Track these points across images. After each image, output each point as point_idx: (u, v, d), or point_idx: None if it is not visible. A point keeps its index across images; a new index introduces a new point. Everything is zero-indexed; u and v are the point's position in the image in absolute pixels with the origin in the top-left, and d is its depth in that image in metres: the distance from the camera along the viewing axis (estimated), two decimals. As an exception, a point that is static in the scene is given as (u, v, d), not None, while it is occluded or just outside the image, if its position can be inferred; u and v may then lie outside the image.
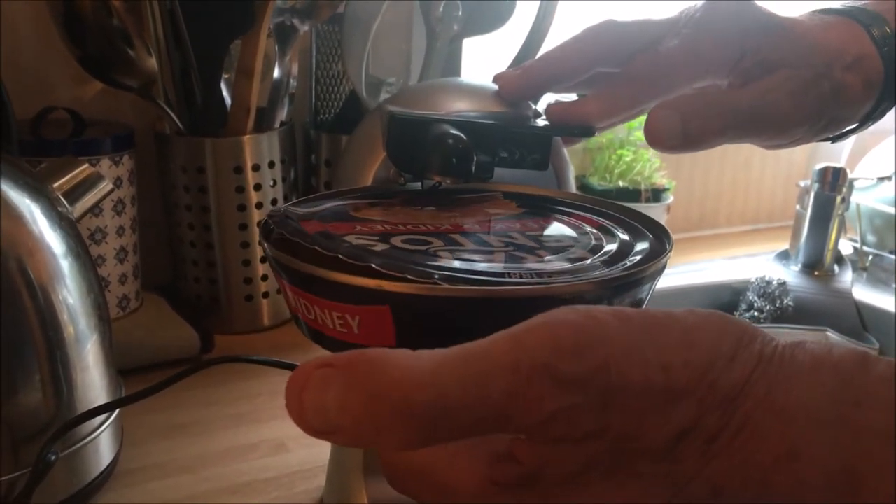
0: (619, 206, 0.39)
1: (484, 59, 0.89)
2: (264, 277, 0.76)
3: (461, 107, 0.43)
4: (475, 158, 0.38)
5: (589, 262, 0.31)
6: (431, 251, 0.31)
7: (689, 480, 0.22)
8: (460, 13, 0.76)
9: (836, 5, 0.45)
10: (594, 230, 0.36)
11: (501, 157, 0.41)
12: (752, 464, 0.22)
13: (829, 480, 0.21)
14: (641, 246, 0.34)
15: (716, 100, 0.40)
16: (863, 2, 0.45)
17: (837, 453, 0.21)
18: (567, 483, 0.22)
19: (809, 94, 0.41)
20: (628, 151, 1.00)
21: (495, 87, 0.44)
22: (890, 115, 0.47)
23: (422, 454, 0.23)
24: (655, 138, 0.39)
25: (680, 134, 0.39)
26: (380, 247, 0.31)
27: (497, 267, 0.30)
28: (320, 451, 0.56)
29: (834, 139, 0.46)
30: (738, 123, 0.40)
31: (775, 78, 0.40)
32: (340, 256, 0.29)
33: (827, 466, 0.21)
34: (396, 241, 0.32)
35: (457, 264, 0.30)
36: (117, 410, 0.53)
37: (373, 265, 0.28)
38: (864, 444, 0.21)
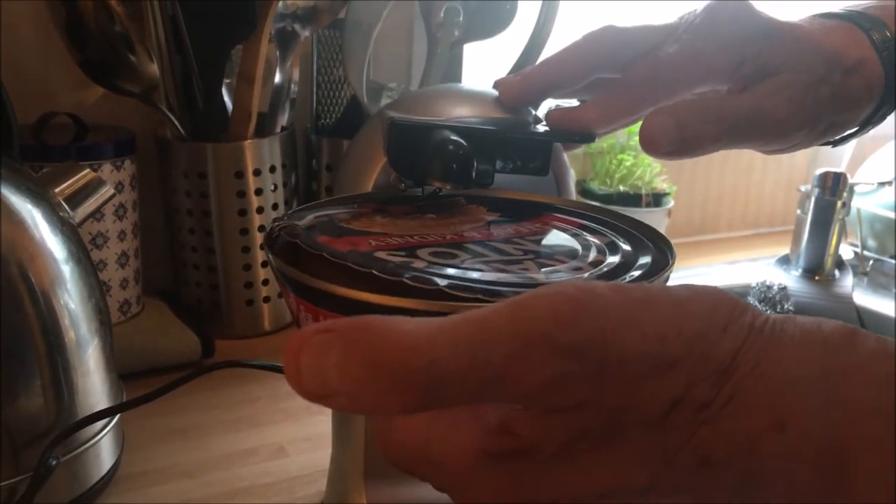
0: (621, 216, 0.39)
1: (485, 65, 0.89)
2: (265, 282, 0.76)
3: (461, 113, 0.43)
4: (475, 164, 0.38)
5: (587, 275, 0.32)
6: (461, 264, 0.32)
7: (678, 449, 0.22)
8: (461, 18, 0.76)
9: (837, 10, 0.45)
10: (597, 241, 0.36)
11: (502, 163, 0.41)
12: (740, 433, 0.22)
13: (817, 452, 0.21)
14: (643, 260, 0.34)
15: (712, 105, 0.40)
16: (863, 6, 0.45)
17: (825, 426, 0.21)
18: (560, 453, 0.23)
19: (808, 99, 0.41)
20: (629, 156, 1.01)
21: (495, 93, 0.44)
22: (890, 120, 0.47)
23: (417, 426, 0.24)
24: (650, 144, 0.39)
25: (675, 140, 0.39)
26: (417, 263, 0.31)
27: (540, 278, 0.30)
28: (320, 456, 0.56)
29: (834, 143, 0.46)
30: (735, 129, 0.40)
31: (774, 83, 0.40)
32: (380, 274, 0.29)
33: (815, 438, 0.21)
34: (423, 253, 0.32)
35: (497, 277, 0.30)
36: (118, 415, 0.53)
37: (440, 285, 0.28)
38: (852, 417, 0.21)
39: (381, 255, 0.32)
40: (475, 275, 0.30)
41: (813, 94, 0.41)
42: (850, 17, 0.44)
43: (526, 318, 0.21)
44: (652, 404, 0.22)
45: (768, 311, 0.24)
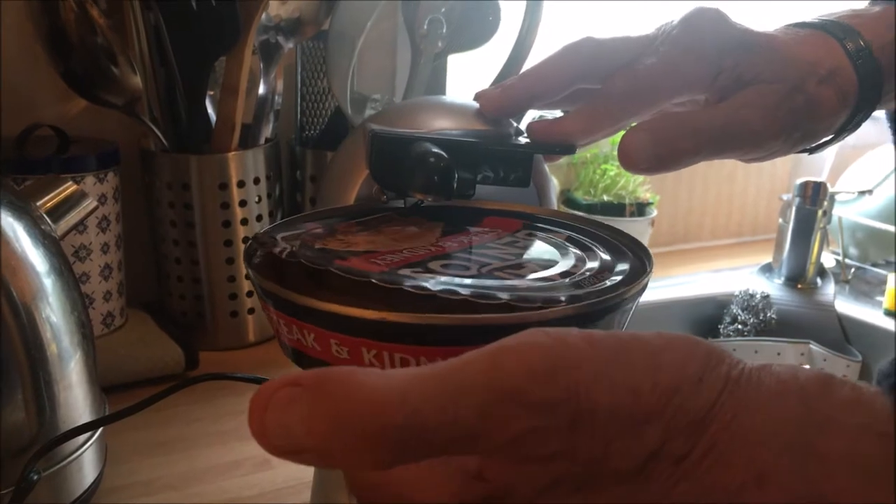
0: (598, 224, 0.39)
1: (469, 75, 0.89)
2: (249, 293, 0.76)
3: (443, 125, 0.43)
4: (456, 176, 0.38)
5: (569, 281, 0.32)
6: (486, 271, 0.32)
7: (657, 502, 0.22)
8: (445, 30, 0.77)
9: (810, 19, 0.46)
10: (576, 250, 0.36)
11: (483, 175, 0.41)
12: (720, 488, 0.22)
13: None
14: (622, 266, 0.34)
15: (688, 119, 0.40)
16: (836, 15, 0.45)
17: (805, 479, 0.21)
18: (537, 498, 0.22)
19: (783, 109, 0.41)
20: (612, 166, 1.01)
21: (477, 105, 0.44)
22: (871, 129, 0.47)
23: (390, 478, 0.23)
24: (628, 161, 0.39)
25: (652, 156, 0.39)
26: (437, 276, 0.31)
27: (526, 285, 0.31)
28: (305, 468, 0.56)
29: (810, 151, 0.47)
30: (712, 142, 0.40)
31: (748, 94, 0.41)
32: (410, 288, 0.29)
33: (795, 492, 0.21)
34: (435, 265, 0.32)
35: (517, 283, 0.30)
36: (101, 428, 0.52)
37: (464, 295, 0.28)
38: (828, 469, 0.21)
39: (408, 272, 0.31)
40: (490, 282, 0.30)
41: (788, 104, 0.41)
42: (823, 27, 0.44)
43: (499, 372, 0.21)
44: (626, 458, 0.22)
45: (743, 363, 0.23)
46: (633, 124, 0.46)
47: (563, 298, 0.29)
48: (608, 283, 0.32)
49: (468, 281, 0.30)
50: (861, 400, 0.22)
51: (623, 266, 0.34)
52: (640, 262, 0.35)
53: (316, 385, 0.20)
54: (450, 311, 0.27)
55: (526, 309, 0.28)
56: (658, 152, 0.39)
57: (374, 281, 0.29)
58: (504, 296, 0.28)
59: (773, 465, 0.21)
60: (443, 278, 0.30)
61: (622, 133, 0.41)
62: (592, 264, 0.34)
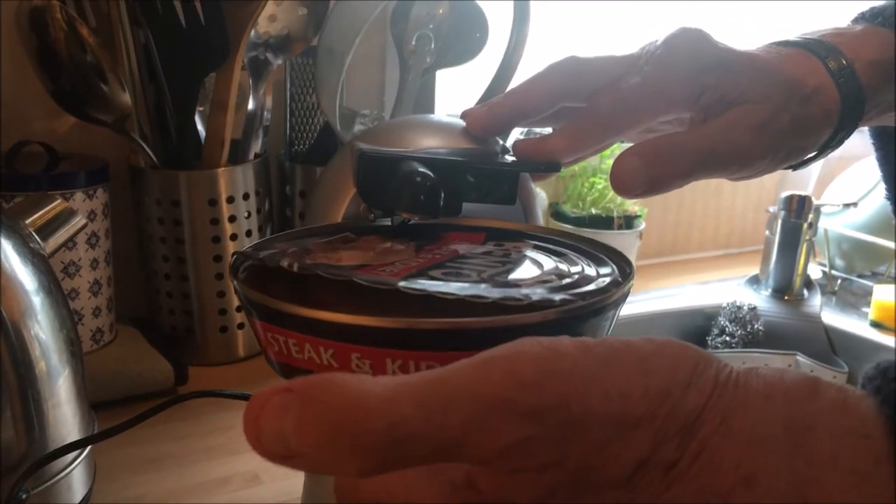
0: (579, 237, 0.40)
1: (457, 90, 0.90)
2: (239, 308, 0.76)
3: (430, 143, 0.44)
4: (443, 195, 0.38)
5: (550, 287, 0.32)
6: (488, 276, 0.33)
7: None
8: (433, 46, 0.78)
9: (793, 37, 0.46)
10: (559, 261, 0.37)
11: (469, 193, 0.41)
12: (709, 490, 0.22)
13: None
14: (604, 271, 0.35)
15: (678, 142, 0.41)
16: (819, 33, 0.46)
17: (792, 480, 0.22)
18: None
19: (769, 129, 0.42)
20: (601, 179, 1.02)
21: (463, 123, 0.45)
22: (856, 141, 0.48)
23: (378, 482, 0.23)
24: (622, 186, 0.40)
25: (645, 181, 0.40)
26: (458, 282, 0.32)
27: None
28: (294, 483, 0.56)
29: (795, 167, 0.47)
30: (702, 164, 0.41)
31: (735, 115, 0.41)
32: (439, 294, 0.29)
33: (782, 493, 0.21)
34: (436, 273, 0.33)
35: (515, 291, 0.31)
36: (90, 446, 0.52)
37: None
38: (814, 471, 0.22)
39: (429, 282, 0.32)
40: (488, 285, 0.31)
41: (774, 124, 0.42)
42: (806, 45, 0.45)
43: (487, 381, 0.21)
44: (618, 465, 0.22)
45: (731, 367, 0.24)
46: (619, 143, 0.47)
47: (585, 300, 0.30)
48: (599, 285, 0.32)
49: (483, 286, 0.31)
50: (847, 402, 0.23)
51: (605, 270, 0.35)
52: (623, 271, 0.35)
53: (307, 391, 0.21)
54: (473, 315, 0.28)
55: (554, 307, 0.29)
56: (651, 176, 0.40)
57: (401, 288, 0.30)
58: (528, 296, 0.29)
59: (761, 466, 0.22)
60: (456, 284, 0.31)
61: (613, 148, 0.42)
62: (576, 270, 0.35)
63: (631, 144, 0.42)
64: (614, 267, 0.36)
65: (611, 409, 0.22)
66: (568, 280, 0.33)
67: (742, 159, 0.42)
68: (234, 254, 0.36)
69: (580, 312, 0.29)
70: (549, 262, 0.36)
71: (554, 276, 0.34)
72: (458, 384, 0.21)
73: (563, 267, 0.35)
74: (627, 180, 0.40)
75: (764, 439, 0.22)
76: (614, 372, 0.22)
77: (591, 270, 0.35)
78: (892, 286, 0.97)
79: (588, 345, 0.23)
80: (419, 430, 0.20)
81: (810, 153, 0.46)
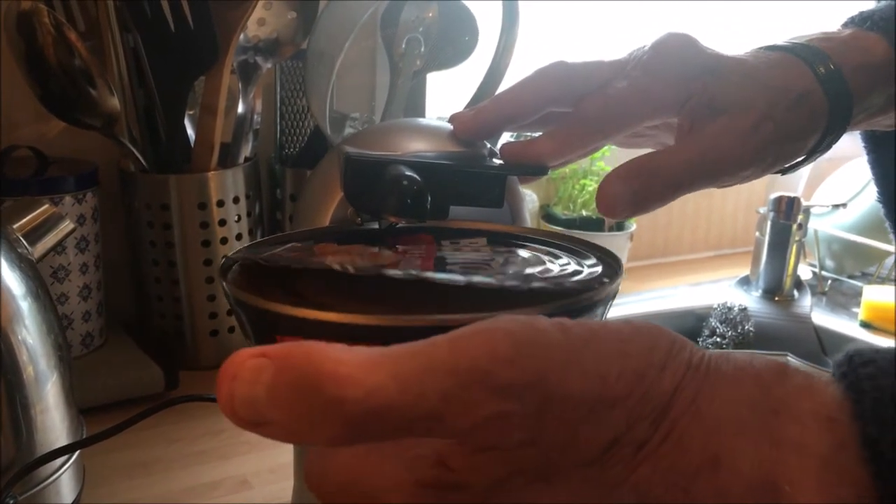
0: (568, 237, 0.40)
1: (448, 93, 0.90)
2: (230, 312, 0.76)
3: (418, 147, 0.44)
4: (430, 199, 0.38)
5: (541, 283, 0.32)
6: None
7: (617, 485, 0.22)
8: (423, 49, 0.78)
9: (781, 42, 0.46)
10: (550, 259, 0.37)
11: (457, 197, 0.42)
12: (677, 471, 0.22)
13: (749, 489, 0.22)
14: (593, 269, 0.35)
15: (661, 164, 0.41)
16: (807, 38, 0.46)
17: (757, 463, 0.22)
18: (495, 487, 0.22)
19: (752, 140, 0.42)
20: (591, 181, 1.02)
21: (451, 127, 0.45)
22: (847, 142, 0.48)
23: (350, 459, 0.23)
24: (607, 211, 0.41)
25: (630, 204, 0.41)
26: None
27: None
28: (284, 487, 0.56)
29: (784, 171, 0.48)
30: (685, 182, 0.41)
31: (717, 129, 0.41)
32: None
33: (747, 475, 0.22)
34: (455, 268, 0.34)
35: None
36: (78, 451, 0.52)
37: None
38: (782, 454, 0.22)
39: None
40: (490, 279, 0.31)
41: (757, 135, 0.42)
42: (793, 50, 0.45)
43: (465, 354, 0.21)
44: (591, 444, 0.22)
45: (704, 351, 0.24)
46: (606, 146, 0.47)
47: (595, 286, 0.31)
48: (580, 285, 0.33)
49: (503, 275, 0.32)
50: (813, 387, 0.23)
51: (594, 269, 0.35)
52: (611, 268, 0.35)
53: (282, 357, 0.20)
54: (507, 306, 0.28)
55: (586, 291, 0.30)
56: (635, 200, 0.41)
57: (434, 280, 0.31)
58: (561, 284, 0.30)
59: (726, 448, 0.22)
60: (480, 277, 0.32)
61: (604, 151, 0.42)
62: (565, 269, 0.35)
63: (616, 146, 0.42)
64: (602, 262, 0.36)
65: (587, 388, 0.22)
66: (556, 274, 0.34)
67: (726, 173, 0.43)
68: (224, 256, 0.36)
69: (576, 306, 0.30)
70: (541, 259, 0.36)
71: (553, 271, 0.34)
72: (436, 357, 0.21)
73: (553, 263, 0.36)
74: (612, 204, 0.41)
75: (731, 421, 0.22)
76: (592, 352, 0.22)
77: (576, 265, 0.35)
78: (882, 287, 0.97)
79: (566, 325, 0.23)
80: (395, 400, 0.20)
81: (798, 157, 0.46)
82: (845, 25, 0.47)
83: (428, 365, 0.21)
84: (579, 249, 0.38)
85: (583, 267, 0.36)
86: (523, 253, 0.38)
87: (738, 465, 0.22)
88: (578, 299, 0.30)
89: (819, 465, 0.22)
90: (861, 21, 0.46)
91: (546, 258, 0.37)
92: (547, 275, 0.34)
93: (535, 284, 0.31)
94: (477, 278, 0.31)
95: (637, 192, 0.41)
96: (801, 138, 0.44)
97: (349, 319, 0.28)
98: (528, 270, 0.34)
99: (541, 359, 0.22)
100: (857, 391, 0.22)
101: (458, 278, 0.31)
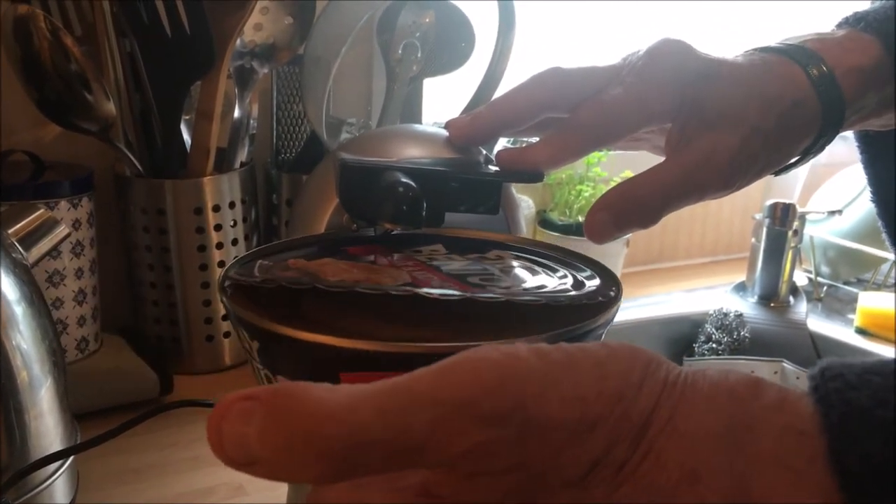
0: (569, 252, 0.40)
1: (444, 98, 0.90)
2: (225, 317, 0.76)
3: (414, 153, 0.44)
4: (425, 205, 0.38)
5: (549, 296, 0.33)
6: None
7: None
8: (419, 55, 0.78)
9: (775, 43, 0.46)
10: (549, 276, 0.37)
11: (452, 203, 0.42)
12: (656, 488, 0.22)
13: (726, 503, 0.22)
14: (591, 285, 0.35)
15: (645, 193, 0.42)
16: (801, 39, 0.46)
17: (734, 477, 0.22)
18: None
19: (740, 158, 0.42)
20: (587, 187, 1.02)
21: (447, 133, 0.45)
22: (843, 148, 0.48)
23: (341, 492, 0.24)
24: (594, 239, 0.43)
25: (616, 232, 0.42)
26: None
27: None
28: (279, 494, 0.56)
29: (777, 173, 0.48)
30: (670, 205, 0.42)
31: (706, 145, 0.42)
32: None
33: (724, 490, 0.22)
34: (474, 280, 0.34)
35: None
36: (72, 456, 0.52)
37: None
38: (758, 468, 0.22)
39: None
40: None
41: (745, 152, 0.42)
42: (787, 52, 0.45)
43: (448, 386, 0.22)
44: (574, 466, 0.22)
45: (680, 369, 0.24)
46: (603, 151, 0.47)
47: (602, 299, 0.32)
48: (586, 285, 0.33)
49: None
50: (786, 401, 0.23)
51: (592, 284, 0.35)
52: (609, 288, 0.35)
53: (271, 398, 0.21)
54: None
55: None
56: (620, 227, 0.42)
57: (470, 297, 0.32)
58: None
59: (704, 464, 0.22)
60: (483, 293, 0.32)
61: (600, 156, 0.42)
62: (563, 290, 0.35)
63: (613, 150, 0.42)
64: (604, 282, 0.36)
65: (568, 411, 0.22)
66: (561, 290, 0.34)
67: (711, 192, 0.43)
68: (222, 272, 0.36)
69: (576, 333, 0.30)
70: (534, 274, 0.36)
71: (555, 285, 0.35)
72: (418, 389, 0.22)
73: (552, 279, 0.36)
74: (599, 232, 0.42)
75: (707, 437, 0.23)
76: (571, 376, 0.23)
77: (573, 282, 0.35)
78: (877, 293, 0.97)
79: (544, 350, 0.23)
80: (379, 435, 0.21)
81: (791, 160, 0.46)
82: (839, 26, 0.47)
83: (412, 397, 0.21)
84: (574, 262, 0.38)
85: (582, 283, 0.36)
86: (524, 265, 0.38)
87: (715, 480, 0.22)
88: (581, 325, 0.30)
89: (793, 478, 0.22)
90: (855, 22, 0.46)
91: (542, 270, 0.37)
92: (543, 289, 0.34)
93: (547, 297, 0.31)
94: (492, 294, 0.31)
95: (620, 221, 0.42)
96: (794, 142, 0.45)
97: (347, 344, 0.29)
98: (532, 284, 0.34)
99: (520, 385, 0.22)
100: (826, 405, 0.22)
101: (453, 292, 0.31)
